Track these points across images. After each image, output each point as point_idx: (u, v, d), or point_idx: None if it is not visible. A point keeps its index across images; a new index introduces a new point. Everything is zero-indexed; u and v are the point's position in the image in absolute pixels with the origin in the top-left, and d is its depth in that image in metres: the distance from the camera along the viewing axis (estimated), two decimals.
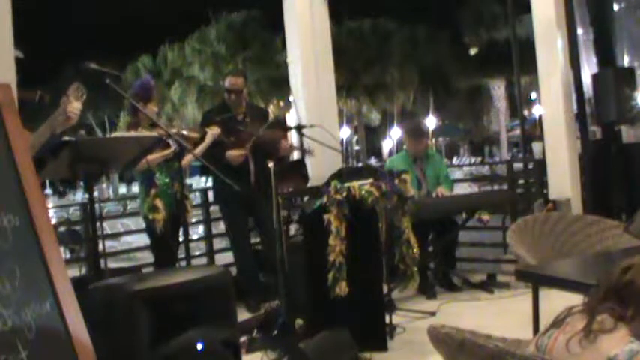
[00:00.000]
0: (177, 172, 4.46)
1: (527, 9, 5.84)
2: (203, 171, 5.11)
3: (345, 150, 32.02)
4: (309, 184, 5.16)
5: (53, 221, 5.86)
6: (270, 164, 4.10)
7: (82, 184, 3.30)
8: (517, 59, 7.47)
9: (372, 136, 40.89)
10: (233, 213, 5.06)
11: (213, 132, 4.69)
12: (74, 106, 2.97)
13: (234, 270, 4.86)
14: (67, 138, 2.93)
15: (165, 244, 4.51)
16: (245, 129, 4.84)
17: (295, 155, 5.32)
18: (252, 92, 24.51)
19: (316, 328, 3.66)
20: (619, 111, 5.65)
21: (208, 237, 6.31)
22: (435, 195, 5.38)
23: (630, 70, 6.05)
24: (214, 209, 6.04)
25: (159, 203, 4.41)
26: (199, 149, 4.51)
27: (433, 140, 34.75)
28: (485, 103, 35.50)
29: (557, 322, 1.85)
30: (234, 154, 4.82)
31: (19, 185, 2.43)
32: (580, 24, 6.30)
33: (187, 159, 4.64)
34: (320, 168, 5.37)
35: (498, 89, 33.16)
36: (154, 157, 4.28)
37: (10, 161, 2.43)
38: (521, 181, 7.03)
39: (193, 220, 7.28)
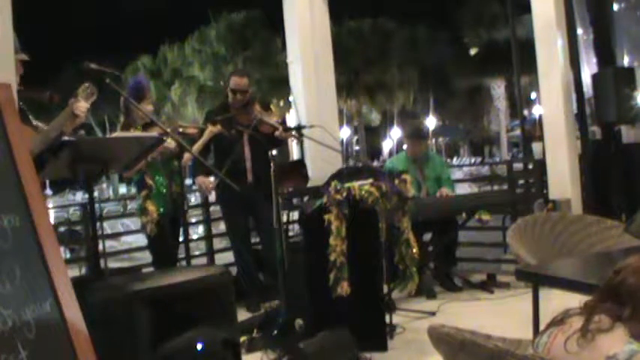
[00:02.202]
0: (175, 172, 4.43)
1: (527, 9, 5.84)
2: (201, 171, 5.03)
3: (345, 150, 32.02)
4: (309, 184, 5.16)
5: (53, 221, 5.85)
6: (270, 164, 4.10)
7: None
8: (517, 59, 7.46)
9: (372, 136, 40.89)
10: (233, 213, 5.05)
11: (211, 129, 4.65)
12: (82, 105, 3.01)
13: (234, 270, 4.86)
14: (67, 138, 2.93)
15: (158, 246, 4.49)
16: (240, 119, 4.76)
17: (295, 155, 5.31)
18: (253, 92, 24.49)
19: (316, 328, 3.66)
20: (619, 111, 5.65)
21: (208, 237, 6.31)
22: (438, 195, 5.38)
23: (630, 70, 6.05)
24: (214, 209, 6.04)
25: (149, 205, 4.36)
26: (197, 146, 4.49)
27: (433, 140, 34.77)
28: (485, 103, 35.54)
29: (556, 322, 1.85)
30: (202, 179, 4.89)
31: (19, 185, 2.42)
32: (580, 24, 6.30)
33: (187, 157, 4.61)
34: (320, 168, 5.36)
35: (498, 89, 33.19)
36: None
37: (10, 161, 2.43)
38: (521, 181, 7.02)
39: (193, 220, 7.31)
